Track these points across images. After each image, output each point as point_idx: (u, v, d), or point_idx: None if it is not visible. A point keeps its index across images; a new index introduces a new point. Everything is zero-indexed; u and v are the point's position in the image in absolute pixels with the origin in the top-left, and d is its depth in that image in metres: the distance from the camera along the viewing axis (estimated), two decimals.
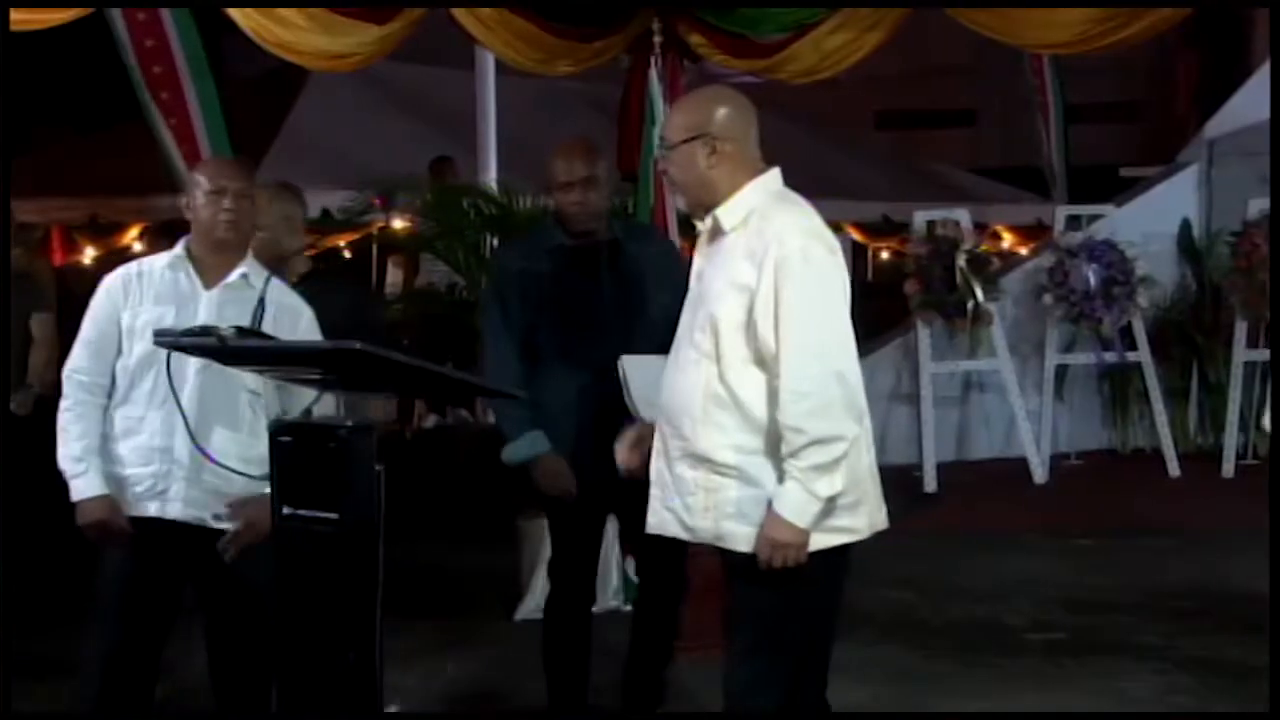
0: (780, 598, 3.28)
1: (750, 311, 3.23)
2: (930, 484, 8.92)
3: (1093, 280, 9.29)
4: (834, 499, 3.23)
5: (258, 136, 10.77)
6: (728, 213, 3.34)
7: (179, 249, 3.93)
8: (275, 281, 3.94)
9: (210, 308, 3.84)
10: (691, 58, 7.38)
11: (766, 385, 3.24)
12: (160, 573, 3.92)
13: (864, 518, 3.36)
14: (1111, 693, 5.11)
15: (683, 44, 7.22)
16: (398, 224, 9.48)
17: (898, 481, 9.02)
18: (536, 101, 12.29)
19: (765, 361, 3.23)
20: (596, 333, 4.21)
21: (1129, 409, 10.00)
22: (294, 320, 3.90)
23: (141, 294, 3.87)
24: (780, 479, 3.22)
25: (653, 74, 6.65)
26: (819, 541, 3.26)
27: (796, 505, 3.20)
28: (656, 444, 3.43)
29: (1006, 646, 5.71)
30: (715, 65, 8.02)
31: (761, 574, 3.25)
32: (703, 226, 3.41)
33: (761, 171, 3.37)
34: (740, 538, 3.29)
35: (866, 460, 3.37)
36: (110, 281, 3.93)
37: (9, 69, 5.49)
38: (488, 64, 9.94)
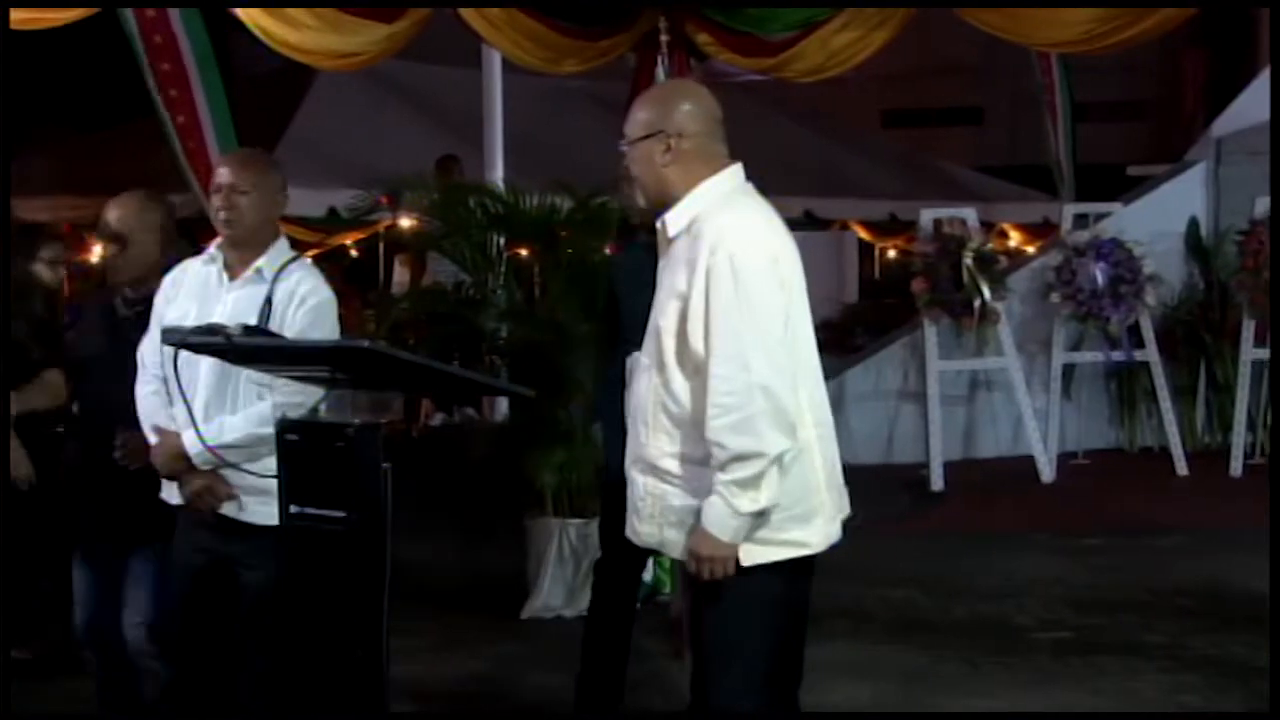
0: (735, 611, 3.23)
1: (684, 319, 3.17)
2: (937, 483, 8.91)
3: (1100, 279, 9.27)
4: (764, 514, 3.14)
5: (265, 135, 10.76)
6: (673, 219, 3.26)
7: (214, 246, 3.99)
8: (291, 269, 3.89)
9: (227, 303, 3.87)
10: (698, 56, 7.39)
11: (705, 395, 3.15)
12: (201, 558, 3.98)
13: (817, 531, 3.25)
14: (1119, 692, 5.10)
15: (690, 42, 7.23)
16: (405, 223, 9.48)
17: (904, 480, 9.04)
18: (543, 100, 12.30)
19: (701, 372, 3.16)
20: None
21: (1136, 408, 9.98)
22: (294, 308, 3.85)
23: (179, 290, 3.98)
24: None
25: (660, 72, 6.65)
26: (767, 555, 3.18)
27: (718, 519, 3.13)
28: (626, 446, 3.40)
29: (1013, 646, 5.70)
30: (722, 63, 8.03)
31: (714, 587, 3.20)
32: (659, 229, 3.33)
33: (720, 169, 3.28)
34: (679, 547, 3.25)
35: (821, 472, 3.27)
36: (167, 277, 4.06)
37: (9, 69, 5.50)
38: (495, 63, 9.95)
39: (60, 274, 5.79)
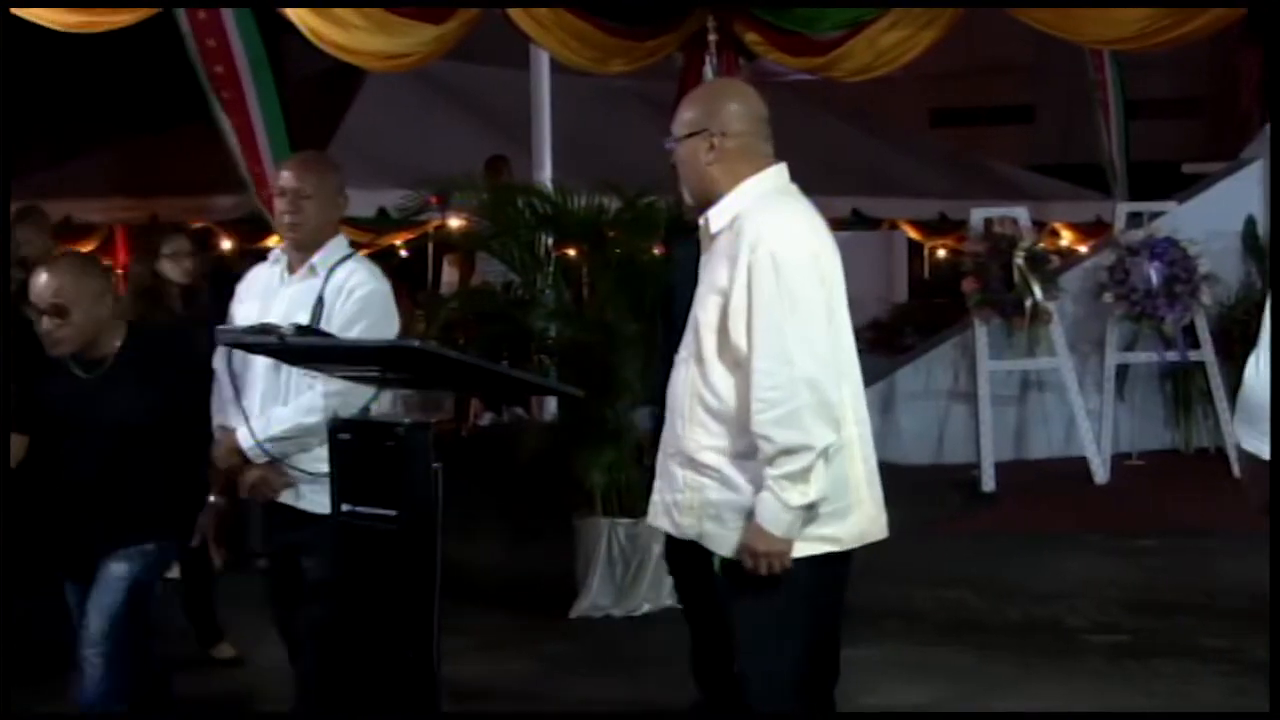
0: (767, 606, 3.24)
1: (724, 314, 3.19)
2: (988, 483, 8.85)
3: (1154, 278, 9.18)
4: (814, 506, 3.16)
5: (316, 136, 10.84)
6: (716, 215, 3.30)
7: (278, 247, 4.12)
8: (344, 265, 3.98)
9: (283, 301, 3.96)
10: (747, 55, 7.37)
11: (747, 389, 3.18)
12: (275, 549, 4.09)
13: (852, 527, 3.26)
14: (1175, 695, 5.04)
15: (738, 42, 7.21)
16: (453, 223, 9.52)
17: (955, 480, 8.98)
18: (591, 100, 12.31)
19: (741, 366, 3.18)
20: None
21: (1192, 408, 9.86)
22: (342, 299, 3.92)
23: (247, 290, 4.10)
24: (757, 482, 3.18)
25: (707, 71, 6.64)
26: (798, 549, 3.19)
27: (771, 514, 3.15)
28: (663, 438, 3.42)
29: (1067, 648, 5.65)
30: (770, 63, 8.00)
31: (746, 581, 3.22)
32: (701, 226, 3.37)
33: (763, 168, 3.31)
34: (719, 540, 3.27)
35: (861, 467, 3.28)
36: (241, 281, 4.18)
37: (10, 69, 5.57)
38: (543, 63, 9.96)
39: (186, 266, 5.75)
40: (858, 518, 3.28)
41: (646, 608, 6.14)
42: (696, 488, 3.29)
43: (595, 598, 6.16)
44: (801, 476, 3.11)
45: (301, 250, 4.00)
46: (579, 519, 6.25)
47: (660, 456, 3.41)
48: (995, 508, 8.57)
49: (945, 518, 8.09)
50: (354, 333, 3.87)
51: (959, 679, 5.26)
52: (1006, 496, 8.71)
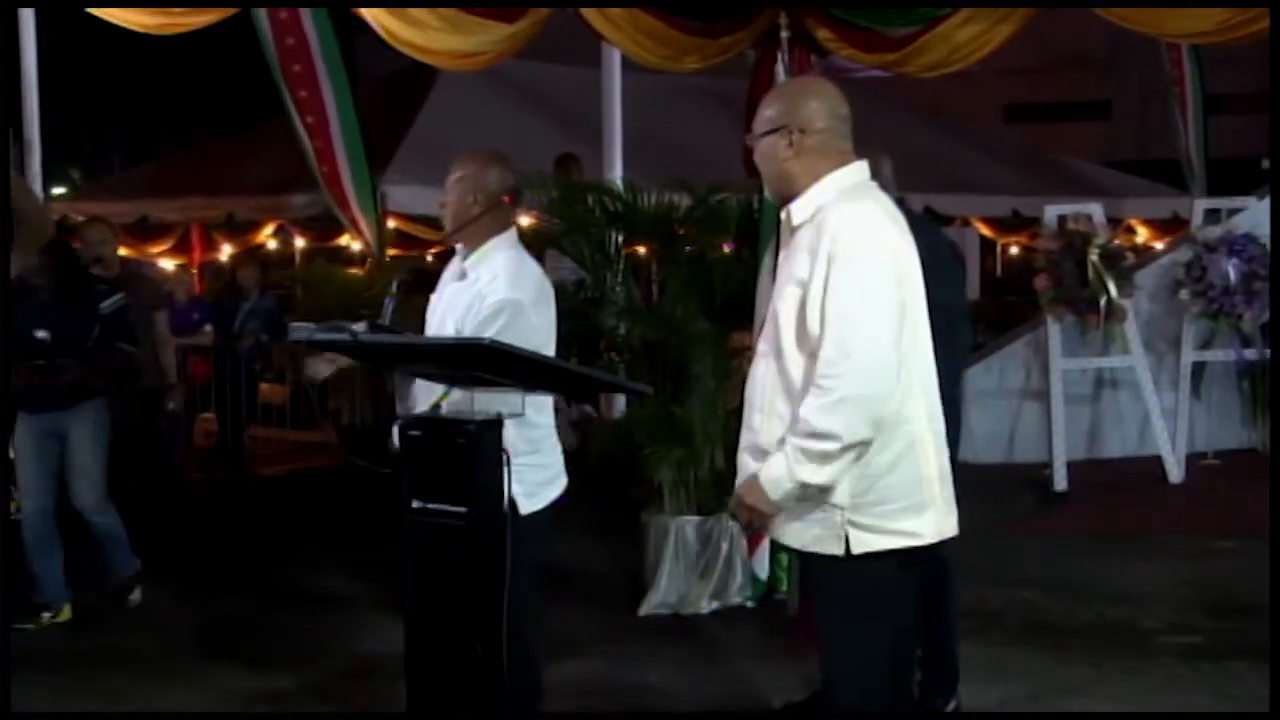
0: (850, 601, 3.26)
1: (803, 305, 3.21)
2: (1060, 483, 8.76)
3: (1233, 275, 9.04)
4: (825, 492, 3.17)
5: (389, 134, 10.95)
6: (799, 209, 3.33)
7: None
8: (489, 267, 3.91)
9: (444, 297, 4.00)
10: (819, 52, 7.32)
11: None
12: None
13: (930, 523, 3.29)
14: (1252, 699, 4.96)
15: (810, 38, 7.17)
16: (524, 220, 9.57)
17: (1027, 480, 8.89)
18: (661, 98, 12.32)
19: (815, 355, 3.21)
20: None
21: (1269, 407, 9.70)
22: (477, 306, 3.87)
23: (441, 283, 4.09)
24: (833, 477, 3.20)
25: (779, 69, 6.61)
26: (879, 543, 3.23)
27: (774, 478, 3.19)
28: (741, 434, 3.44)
29: (1141, 649, 5.59)
30: (843, 59, 7.95)
31: (829, 577, 3.25)
32: (783, 219, 3.40)
33: (843, 164, 3.34)
34: (791, 533, 3.30)
35: (935, 464, 3.31)
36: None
37: (10, 68, 5.66)
38: (614, 61, 9.98)
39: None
40: (934, 514, 3.30)
41: (715, 605, 6.14)
42: None
43: (664, 595, 6.17)
44: (820, 458, 3.14)
45: (462, 242, 4.00)
46: (648, 516, 6.27)
47: (739, 452, 3.43)
48: (1068, 508, 8.48)
49: (1017, 518, 8.01)
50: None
51: (1031, 680, 5.22)
52: (1079, 496, 8.62)
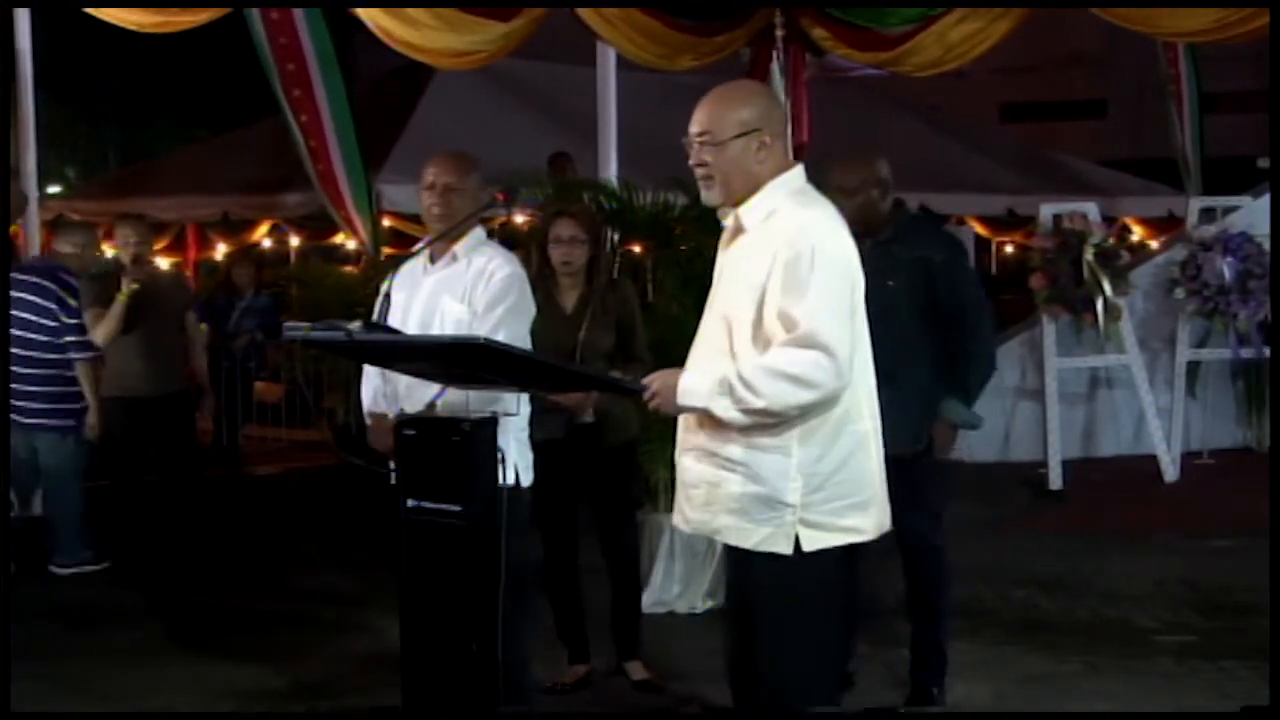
0: (800, 598, 3.27)
1: (760, 308, 3.22)
2: (1056, 481, 8.77)
3: (1228, 274, 9.05)
4: (743, 417, 3.17)
5: (384, 133, 10.94)
6: (750, 211, 3.33)
7: (425, 239, 4.32)
8: (483, 252, 4.21)
9: (427, 289, 4.20)
10: (814, 51, 7.34)
11: None
12: None
13: (872, 519, 3.35)
14: (1248, 697, 4.96)
15: (805, 37, 7.19)
16: (519, 219, 9.56)
17: (1022, 478, 8.90)
18: (657, 97, 12.30)
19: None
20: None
21: (1265, 406, 9.72)
22: (484, 283, 4.13)
23: (399, 282, 4.28)
24: (786, 475, 3.21)
25: (775, 67, 6.62)
26: (828, 540, 3.25)
27: (691, 389, 3.21)
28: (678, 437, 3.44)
29: (1136, 648, 5.59)
30: (838, 58, 7.96)
31: (774, 577, 3.26)
32: (727, 223, 3.40)
33: (789, 168, 3.37)
34: (738, 533, 3.29)
35: (877, 460, 3.36)
36: (397, 273, 4.37)
37: (10, 69, 5.67)
38: (609, 60, 9.97)
39: None
40: (876, 509, 3.36)
41: (710, 604, 6.14)
42: (714, 482, 3.31)
43: (659, 593, 6.17)
44: (737, 404, 3.17)
45: (445, 240, 4.21)
46: (643, 515, 6.26)
47: (679, 454, 3.43)
48: (1063, 506, 8.49)
49: (1013, 516, 8.02)
50: (497, 312, 4.08)
51: (1026, 678, 5.22)
52: (1075, 495, 8.62)
